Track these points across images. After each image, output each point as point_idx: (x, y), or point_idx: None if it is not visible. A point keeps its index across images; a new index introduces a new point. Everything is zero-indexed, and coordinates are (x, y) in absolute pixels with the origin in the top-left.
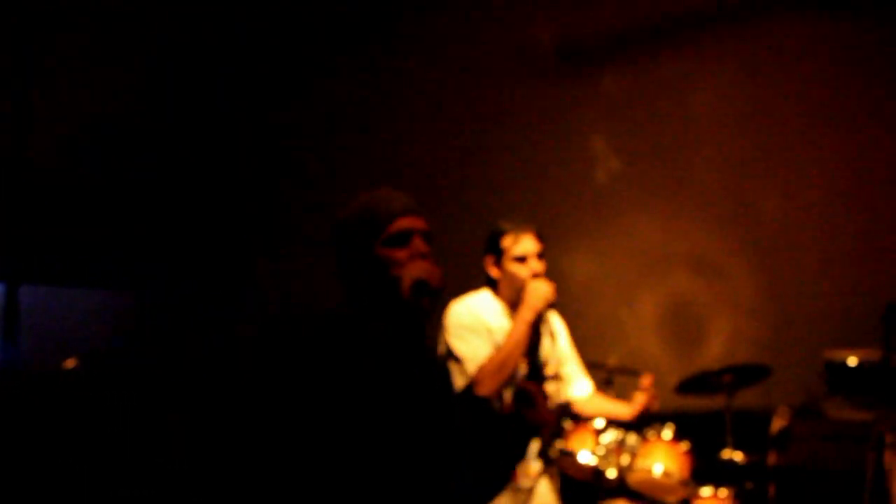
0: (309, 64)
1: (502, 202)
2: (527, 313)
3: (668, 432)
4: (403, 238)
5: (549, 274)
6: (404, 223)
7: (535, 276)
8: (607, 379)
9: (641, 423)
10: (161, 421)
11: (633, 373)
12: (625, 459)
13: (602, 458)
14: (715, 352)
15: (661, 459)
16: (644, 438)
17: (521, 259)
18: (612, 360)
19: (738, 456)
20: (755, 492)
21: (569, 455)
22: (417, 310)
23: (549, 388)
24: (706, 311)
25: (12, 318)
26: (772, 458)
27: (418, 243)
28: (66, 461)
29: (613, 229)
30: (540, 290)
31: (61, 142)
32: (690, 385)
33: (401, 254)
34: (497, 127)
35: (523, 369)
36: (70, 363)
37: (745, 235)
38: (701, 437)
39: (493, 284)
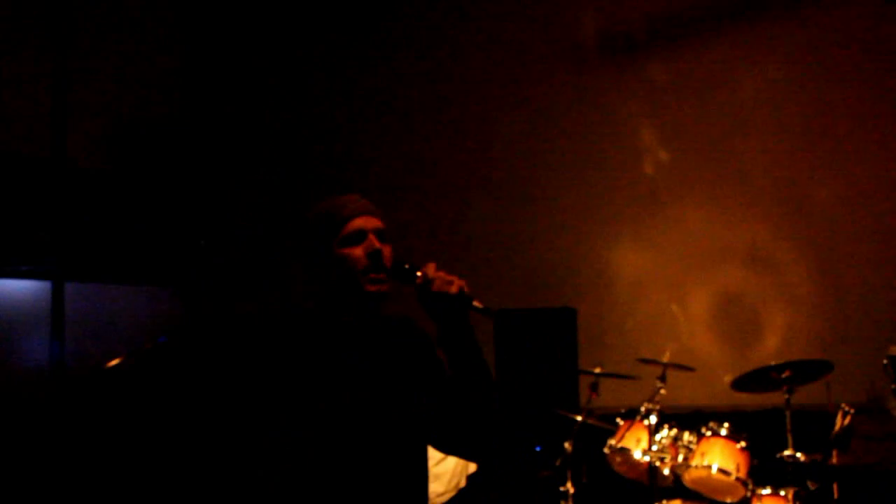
0: (340, 60)
1: (549, 194)
2: None
3: (724, 429)
4: (357, 237)
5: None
6: (357, 223)
7: None
8: (661, 375)
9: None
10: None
11: (685, 369)
12: (680, 457)
13: (656, 455)
14: (770, 348)
15: (718, 457)
16: (700, 436)
17: None
18: (665, 357)
19: (798, 455)
20: (818, 493)
21: (623, 452)
22: (371, 296)
23: None
24: (760, 305)
25: (58, 316)
26: (834, 458)
27: (371, 240)
28: (110, 458)
29: (663, 222)
30: None
31: (103, 141)
32: (748, 381)
33: (356, 251)
34: (543, 118)
35: None
36: (115, 362)
37: (799, 227)
38: (758, 435)
39: None
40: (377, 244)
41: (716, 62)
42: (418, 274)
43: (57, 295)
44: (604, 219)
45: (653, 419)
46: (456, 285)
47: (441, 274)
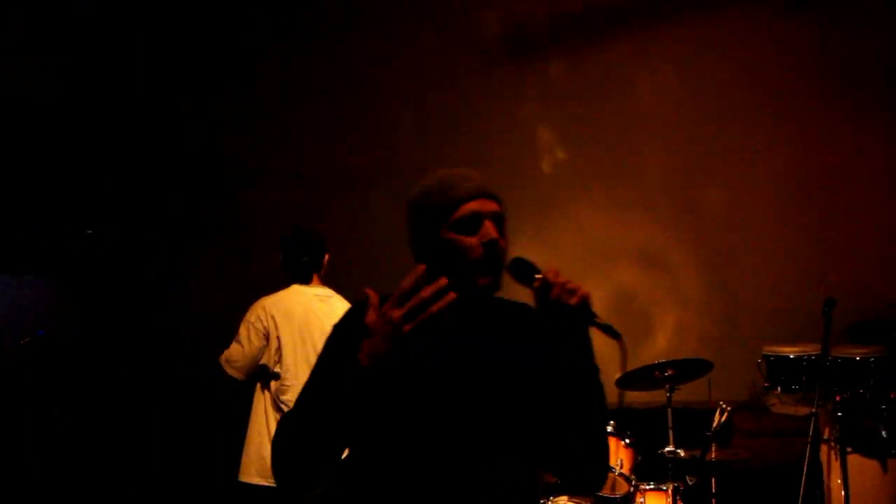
0: (248, 53)
1: None
2: None
3: (610, 426)
4: (472, 223)
5: None
6: (472, 207)
7: None
8: None
9: None
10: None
11: None
12: None
13: None
14: (660, 346)
15: None
16: None
17: None
18: None
19: (679, 451)
20: (697, 487)
21: None
22: (483, 289)
23: None
24: (652, 304)
25: None
26: (712, 453)
27: (488, 228)
28: None
29: (558, 220)
30: None
31: None
32: (632, 379)
33: (470, 240)
34: (444, 116)
35: None
36: None
37: (691, 229)
38: (646, 431)
39: None
40: (494, 233)
41: (614, 65)
42: (537, 276)
43: None
44: None
45: None
46: (578, 296)
47: (563, 280)
